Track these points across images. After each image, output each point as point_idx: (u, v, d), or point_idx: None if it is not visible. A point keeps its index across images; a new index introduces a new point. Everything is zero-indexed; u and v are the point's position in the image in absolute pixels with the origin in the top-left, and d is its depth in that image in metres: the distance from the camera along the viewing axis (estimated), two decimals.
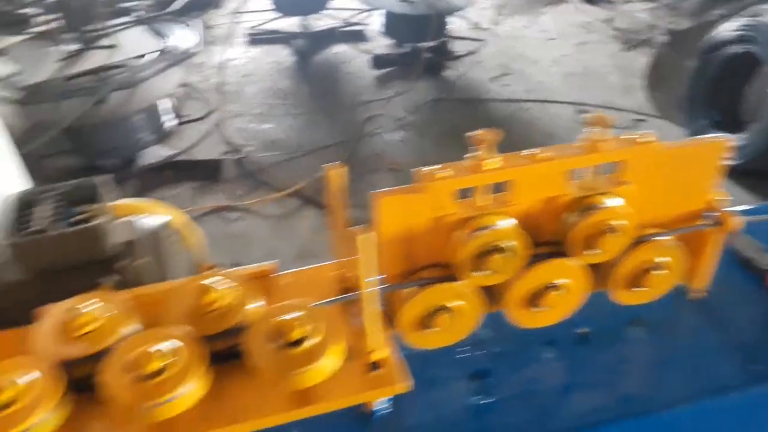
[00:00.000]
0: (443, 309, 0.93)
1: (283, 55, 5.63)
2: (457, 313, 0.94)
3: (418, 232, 0.91)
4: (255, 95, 5.06)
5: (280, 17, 5.82)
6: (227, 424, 0.82)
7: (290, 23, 5.81)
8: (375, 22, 5.74)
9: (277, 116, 4.78)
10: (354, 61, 5.48)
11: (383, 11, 5.25)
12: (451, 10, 5.23)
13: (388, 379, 0.87)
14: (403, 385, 0.88)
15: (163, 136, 4.06)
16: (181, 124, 4.30)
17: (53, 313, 0.89)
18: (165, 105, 4.03)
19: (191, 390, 0.79)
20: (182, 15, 4.26)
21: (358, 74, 5.29)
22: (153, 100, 3.80)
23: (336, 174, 0.89)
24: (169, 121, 4.11)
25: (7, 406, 0.77)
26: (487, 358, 1.05)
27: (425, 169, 0.88)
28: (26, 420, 0.77)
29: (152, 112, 3.92)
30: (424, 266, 0.95)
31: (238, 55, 5.59)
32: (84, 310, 0.87)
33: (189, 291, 0.92)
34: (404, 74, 5.09)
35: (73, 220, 1.12)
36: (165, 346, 0.81)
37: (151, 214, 1.31)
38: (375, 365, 0.89)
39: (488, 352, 1.06)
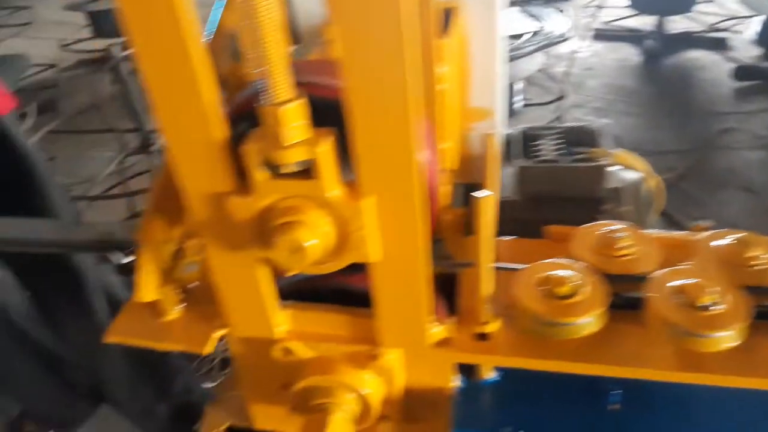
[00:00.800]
0: None
1: (628, 53, 5.44)
2: None
3: None
4: (595, 89, 4.99)
5: (635, 15, 5.63)
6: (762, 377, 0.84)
7: (644, 22, 5.58)
8: (747, 31, 5.20)
9: (615, 113, 4.66)
10: (711, 68, 5.05)
11: (762, 18, 4.73)
12: None
13: None
14: None
15: (509, 115, 4.27)
16: (525, 106, 4.46)
17: (588, 232, 1.00)
18: (518, 86, 4.22)
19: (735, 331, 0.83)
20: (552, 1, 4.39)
21: (714, 83, 4.87)
22: (513, 80, 4.00)
23: None
24: (518, 102, 4.29)
25: (565, 297, 0.90)
26: None
27: None
28: (577, 315, 0.89)
29: (508, 91, 4.15)
30: None
31: (583, 47, 5.56)
32: (621, 235, 0.96)
33: (712, 244, 0.96)
34: None
35: (577, 157, 1.25)
36: (713, 287, 0.86)
37: (632, 168, 1.40)
38: None
39: None
